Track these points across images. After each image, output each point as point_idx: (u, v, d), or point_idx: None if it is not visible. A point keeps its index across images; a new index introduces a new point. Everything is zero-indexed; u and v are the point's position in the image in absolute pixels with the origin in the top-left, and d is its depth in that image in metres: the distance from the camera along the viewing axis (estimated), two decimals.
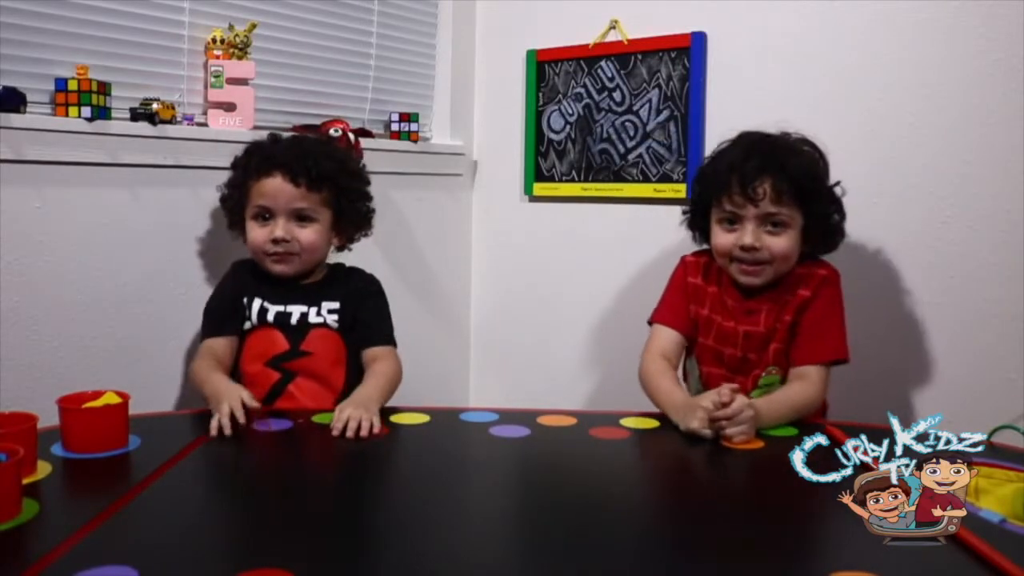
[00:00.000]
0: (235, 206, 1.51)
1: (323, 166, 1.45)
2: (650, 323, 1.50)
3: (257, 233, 1.46)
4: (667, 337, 1.45)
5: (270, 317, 1.45)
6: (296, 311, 1.46)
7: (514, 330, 2.24)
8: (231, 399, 1.23)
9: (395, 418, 1.28)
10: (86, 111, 1.40)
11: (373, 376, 1.40)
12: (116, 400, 1.10)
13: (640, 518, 0.94)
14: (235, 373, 1.44)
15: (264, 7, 1.74)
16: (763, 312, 1.40)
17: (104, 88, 1.43)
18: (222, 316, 1.47)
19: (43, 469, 0.99)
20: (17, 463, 0.87)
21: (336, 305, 1.48)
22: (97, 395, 1.11)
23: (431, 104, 2.20)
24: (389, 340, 1.50)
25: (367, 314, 1.50)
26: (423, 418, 1.29)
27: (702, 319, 1.45)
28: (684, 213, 1.54)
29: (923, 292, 1.68)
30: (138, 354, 1.54)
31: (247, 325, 1.46)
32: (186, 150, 1.56)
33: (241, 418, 1.20)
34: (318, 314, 1.47)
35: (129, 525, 0.86)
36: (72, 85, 1.39)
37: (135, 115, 1.50)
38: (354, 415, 1.21)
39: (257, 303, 1.46)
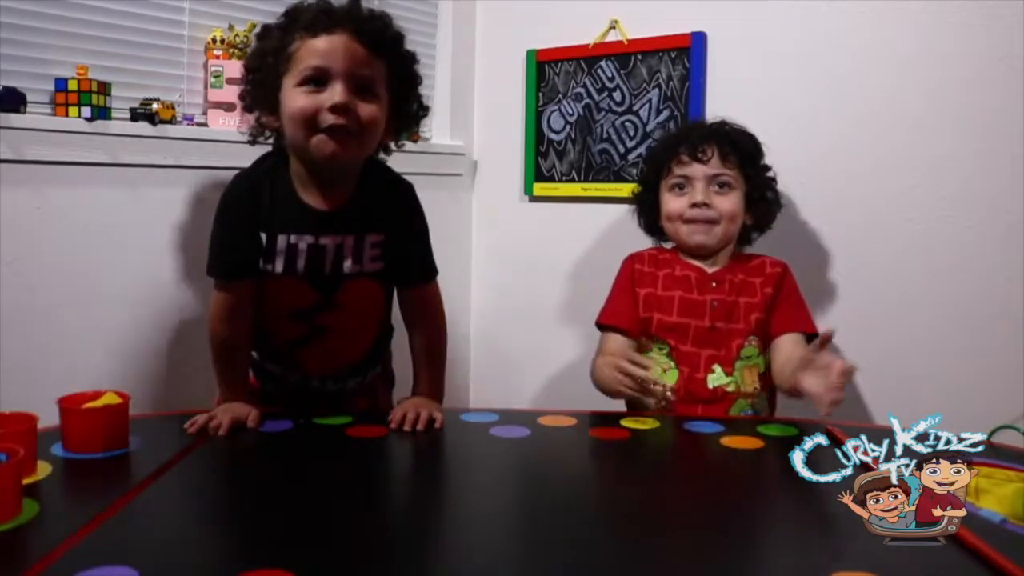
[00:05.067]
0: (267, 78, 1.18)
1: (391, 31, 1.20)
2: (598, 325, 1.52)
3: (305, 101, 1.13)
4: (616, 340, 1.48)
5: (300, 260, 1.19)
6: (330, 244, 1.19)
7: (514, 330, 2.24)
8: (225, 416, 1.17)
9: None
10: (86, 111, 1.40)
11: (426, 363, 1.31)
12: (116, 400, 1.10)
13: (640, 518, 0.94)
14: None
15: (264, 7, 1.74)
16: (727, 283, 1.46)
17: (104, 88, 1.43)
18: (235, 258, 1.21)
19: (43, 469, 0.99)
20: (17, 463, 0.87)
21: (380, 237, 1.22)
22: (97, 395, 1.11)
23: (431, 104, 2.20)
24: (432, 272, 1.31)
25: (411, 245, 1.26)
26: None
27: (657, 298, 1.48)
28: (633, 196, 1.62)
29: (923, 292, 1.68)
30: (138, 354, 1.54)
31: (269, 268, 1.21)
32: (186, 150, 1.56)
33: (223, 432, 1.15)
34: (357, 259, 1.21)
35: (129, 525, 0.86)
36: (72, 85, 1.39)
37: (135, 115, 1.50)
38: (412, 411, 1.21)
39: (282, 239, 1.18)
